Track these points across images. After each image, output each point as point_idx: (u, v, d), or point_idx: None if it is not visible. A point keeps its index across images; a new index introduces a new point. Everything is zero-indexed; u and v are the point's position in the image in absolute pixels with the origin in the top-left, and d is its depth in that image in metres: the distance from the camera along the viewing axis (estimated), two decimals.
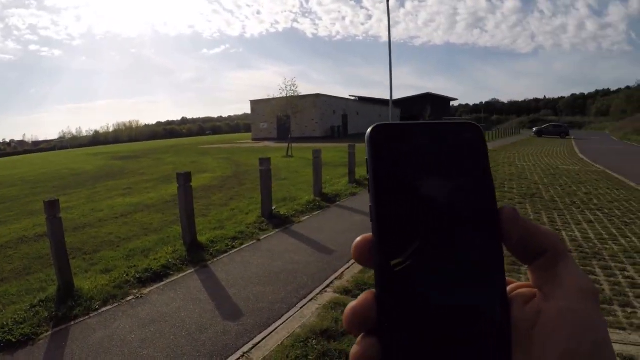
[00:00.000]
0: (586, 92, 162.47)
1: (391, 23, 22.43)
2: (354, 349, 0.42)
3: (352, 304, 0.43)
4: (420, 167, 0.44)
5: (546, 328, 0.39)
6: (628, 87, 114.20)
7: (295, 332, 5.11)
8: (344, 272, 6.95)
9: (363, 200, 12.78)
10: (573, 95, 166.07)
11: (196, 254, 7.75)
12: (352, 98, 73.65)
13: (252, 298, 6.02)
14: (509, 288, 0.44)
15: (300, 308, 5.74)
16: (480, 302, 0.42)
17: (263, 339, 5.04)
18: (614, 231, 9.53)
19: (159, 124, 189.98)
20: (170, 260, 7.35)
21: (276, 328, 5.26)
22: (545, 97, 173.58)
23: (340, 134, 54.41)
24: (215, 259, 7.64)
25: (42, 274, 7.30)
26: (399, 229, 0.42)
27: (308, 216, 10.83)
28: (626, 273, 7.23)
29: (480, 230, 0.43)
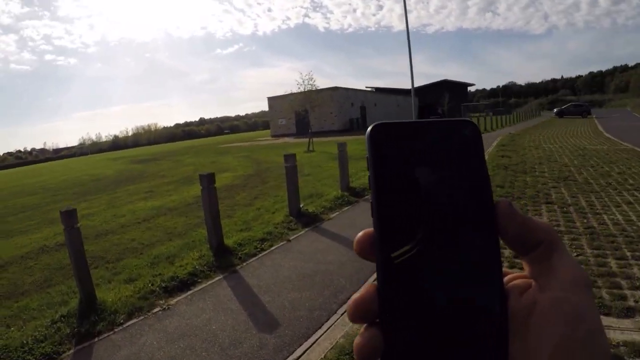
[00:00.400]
0: (603, 70, 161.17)
1: (403, 12, 21.81)
2: (357, 340, 0.43)
3: (355, 296, 0.44)
4: (418, 164, 0.45)
5: (541, 318, 0.40)
6: None
7: (338, 343, 4.63)
8: None
9: None
10: (590, 73, 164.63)
11: (224, 259, 7.31)
12: (369, 89, 73.00)
13: (287, 305, 5.55)
14: (505, 279, 0.46)
15: (341, 315, 5.26)
16: (479, 294, 0.43)
17: (304, 352, 4.58)
18: None
19: (177, 125, 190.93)
20: (197, 267, 6.91)
21: (317, 339, 4.79)
22: (562, 77, 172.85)
23: (359, 126, 53.85)
24: (244, 264, 7.18)
25: (64, 285, 6.92)
26: (399, 224, 0.44)
27: (337, 212, 10.35)
28: None
29: (478, 224, 0.44)
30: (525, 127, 42.74)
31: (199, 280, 6.59)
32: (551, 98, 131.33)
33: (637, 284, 5.80)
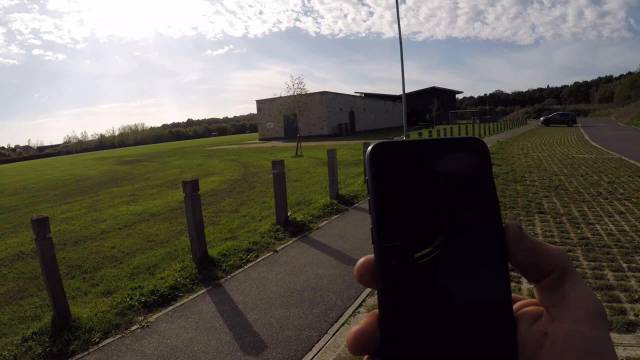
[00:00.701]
0: (589, 80, 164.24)
1: (394, 20, 21.73)
2: None
3: (355, 328, 0.43)
4: (422, 186, 0.43)
5: (553, 351, 0.39)
6: (630, 73, 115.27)
7: None
8: None
9: None
10: (576, 83, 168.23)
11: (207, 271, 6.95)
12: (358, 94, 73.07)
13: (275, 324, 5.22)
14: (515, 305, 0.44)
15: (333, 335, 4.94)
16: (486, 324, 0.42)
17: None
18: None
19: (164, 126, 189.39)
20: (178, 280, 6.56)
21: None
22: (548, 86, 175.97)
23: (348, 132, 53.78)
24: (229, 276, 6.83)
25: (37, 297, 6.53)
26: (402, 251, 0.42)
27: (326, 221, 10.03)
28: None
29: (486, 249, 0.42)
30: (512, 135, 43.01)
31: (181, 294, 6.23)
32: (537, 107, 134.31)
33: (636, 296, 5.70)
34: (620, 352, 4.48)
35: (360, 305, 5.60)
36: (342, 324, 5.15)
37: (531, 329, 0.41)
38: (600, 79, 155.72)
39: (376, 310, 0.43)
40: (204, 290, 6.32)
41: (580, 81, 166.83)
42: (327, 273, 6.71)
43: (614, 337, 4.80)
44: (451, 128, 34.58)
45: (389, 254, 0.42)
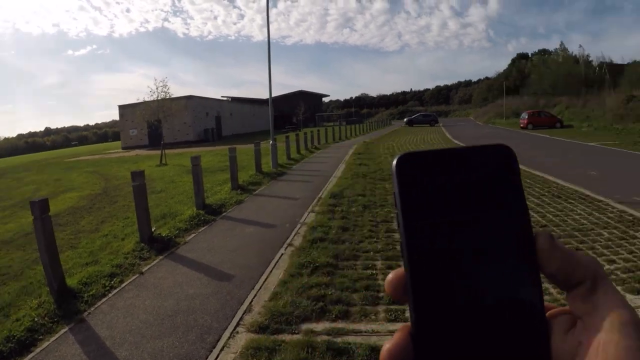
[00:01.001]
0: (449, 84, 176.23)
1: (264, 23, 21.63)
2: None
3: (388, 345, 0.43)
4: (451, 197, 0.43)
5: None
6: (487, 78, 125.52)
7: None
8: (252, 302, 6.07)
9: (251, 208, 12.07)
10: (437, 86, 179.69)
11: (68, 305, 6.39)
12: (226, 99, 72.40)
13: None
14: (548, 314, 0.44)
15: None
16: (521, 333, 0.41)
17: None
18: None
19: (20, 136, 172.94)
20: (36, 320, 5.94)
21: None
22: (411, 89, 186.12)
23: (214, 137, 52.89)
24: (92, 308, 6.34)
25: None
26: (433, 263, 0.42)
27: (194, 234, 9.73)
28: None
29: (517, 260, 0.42)
30: (378, 135, 45.04)
31: (40, 337, 5.65)
32: (401, 109, 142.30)
33: None
34: None
35: (237, 325, 5.47)
36: (222, 348, 4.99)
37: (565, 338, 0.41)
38: (460, 82, 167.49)
39: (408, 324, 0.43)
40: (65, 329, 5.78)
41: (442, 85, 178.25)
42: (199, 292, 6.49)
43: None
44: (318, 131, 35.25)
45: (420, 266, 0.42)
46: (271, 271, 7.12)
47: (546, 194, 11.74)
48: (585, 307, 0.41)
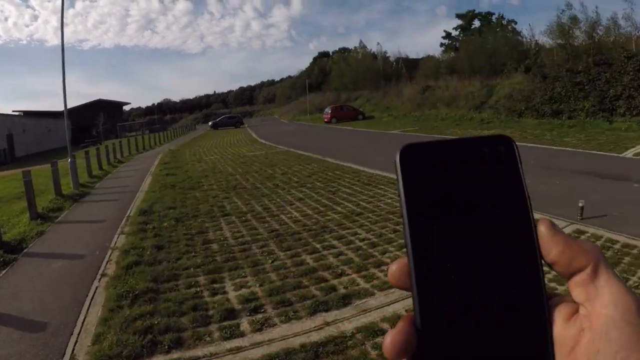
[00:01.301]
0: (253, 84, 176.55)
1: (60, 25, 19.33)
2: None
3: (391, 334, 0.43)
4: (453, 186, 0.44)
5: (590, 347, 0.39)
6: (290, 76, 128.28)
7: None
8: (74, 351, 5.20)
9: (55, 239, 10.69)
10: (241, 87, 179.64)
11: None
12: (17, 113, 65.17)
13: None
14: (550, 302, 0.44)
15: None
16: (522, 324, 0.42)
17: None
18: (326, 202, 10.13)
19: None
20: None
21: None
22: (215, 92, 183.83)
23: (7, 159, 47.41)
24: None
25: None
26: (435, 251, 0.43)
27: None
28: (360, 236, 7.84)
29: (519, 247, 0.43)
30: (184, 141, 43.77)
31: None
32: (205, 112, 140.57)
33: (339, 271, 6.24)
34: (347, 325, 4.87)
35: None
36: None
37: (567, 326, 0.41)
38: (263, 82, 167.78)
39: (411, 313, 0.43)
40: None
41: (245, 85, 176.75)
42: (12, 352, 5.35)
43: (335, 314, 5.13)
44: (120, 142, 33.07)
45: (423, 257, 0.43)
46: (88, 309, 6.21)
47: (357, 182, 12.32)
48: (586, 293, 0.41)
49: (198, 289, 6.21)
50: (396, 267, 0.45)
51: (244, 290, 5.97)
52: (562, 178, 11.72)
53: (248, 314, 5.28)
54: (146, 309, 5.73)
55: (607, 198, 9.39)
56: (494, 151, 0.44)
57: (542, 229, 0.43)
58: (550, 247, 0.42)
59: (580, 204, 7.84)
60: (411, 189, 0.43)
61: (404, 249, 0.44)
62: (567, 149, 17.31)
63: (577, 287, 0.42)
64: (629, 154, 15.82)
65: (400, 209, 0.44)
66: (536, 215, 0.40)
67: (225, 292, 5.96)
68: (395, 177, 0.45)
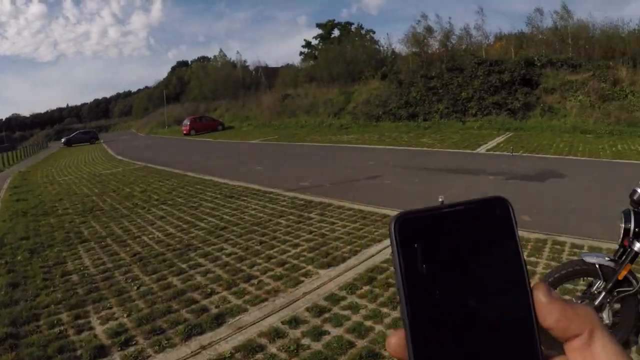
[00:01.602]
0: (108, 96, 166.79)
1: None
2: None
3: (392, 339, 0.45)
4: (450, 256, 0.44)
5: None
6: (148, 87, 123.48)
7: None
8: None
9: None
10: (96, 100, 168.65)
11: None
12: None
13: None
14: None
15: None
16: None
17: None
18: (189, 218, 10.06)
19: None
20: None
21: None
22: (68, 105, 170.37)
23: None
24: None
25: None
26: (433, 324, 0.43)
27: None
28: (226, 251, 7.74)
29: (516, 314, 0.43)
30: (34, 161, 40.08)
31: None
32: (58, 127, 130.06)
33: (208, 290, 6.17)
34: (224, 346, 4.77)
35: None
36: None
37: None
38: (119, 94, 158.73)
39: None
40: None
41: (100, 97, 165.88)
42: None
43: (211, 336, 5.05)
44: None
45: (420, 326, 0.42)
46: None
47: (219, 195, 12.26)
48: (583, 357, 0.42)
49: (62, 328, 5.83)
50: (394, 340, 0.45)
51: (111, 323, 5.70)
52: (422, 176, 12.61)
53: (119, 348, 5.06)
54: (8, 358, 5.33)
55: (465, 191, 10.29)
56: (489, 216, 0.45)
57: (540, 296, 0.44)
58: (546, 314, 0.43)
59: (440, 199, 8.47)
60: (408, 260, 0.43)
61: (401, 321, 0.44)
62: (424, 149, 18.60)
63: (573, 352, 0.43)
64: (482, 150, 17.40)
65: (396, 281, 0.44)
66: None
67: (91, 328, 5.67)
68: (390, 246, 0.45)
